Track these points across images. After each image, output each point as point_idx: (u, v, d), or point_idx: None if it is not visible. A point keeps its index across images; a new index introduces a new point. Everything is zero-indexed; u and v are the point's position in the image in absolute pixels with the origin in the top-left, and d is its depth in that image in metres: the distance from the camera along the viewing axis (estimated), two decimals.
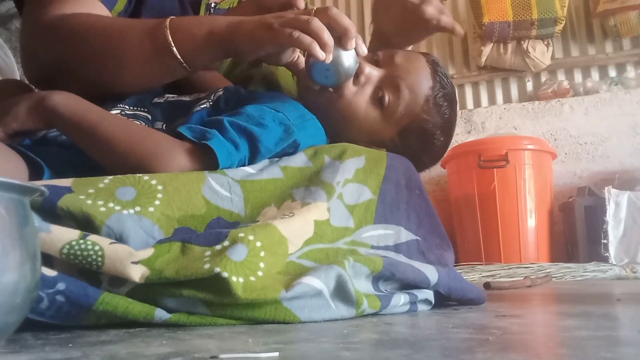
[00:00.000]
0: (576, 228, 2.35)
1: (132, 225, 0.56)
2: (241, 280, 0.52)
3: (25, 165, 0.67)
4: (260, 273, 0.54)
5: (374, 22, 0.95)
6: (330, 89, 0.79)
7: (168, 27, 0.73)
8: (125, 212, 0.57)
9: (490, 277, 1.82)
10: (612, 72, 2.84)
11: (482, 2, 2.66)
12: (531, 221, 2.38)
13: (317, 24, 0.67)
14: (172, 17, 0.75)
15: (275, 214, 0.66)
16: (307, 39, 0.67)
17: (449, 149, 0.91)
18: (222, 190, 0.65)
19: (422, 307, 0.68)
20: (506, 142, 2.41)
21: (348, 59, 0.73)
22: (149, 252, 0.53)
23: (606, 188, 2.25)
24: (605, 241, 2.18)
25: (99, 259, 0.51)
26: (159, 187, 0.61)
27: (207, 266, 0.51)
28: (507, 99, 2.93)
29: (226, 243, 0.54)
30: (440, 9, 0.88)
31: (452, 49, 3.02)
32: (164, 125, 0.79)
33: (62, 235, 0.52)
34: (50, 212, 0.55)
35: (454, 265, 0.77)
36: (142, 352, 0.38)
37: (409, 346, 0.39)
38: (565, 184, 2.67)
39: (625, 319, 0.63)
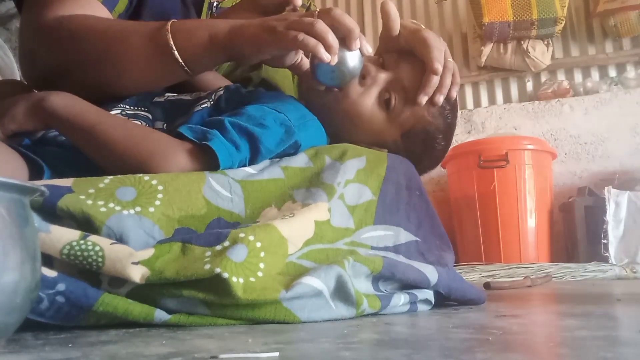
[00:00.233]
0: (576, 228, 2.35)
1: (133, 225, 0.56)
2: (241, 280, 0.52)
3: (25, 165, 0.67)
4: (260, 274, 0.54)
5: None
6: (336, 90, 0.79)
7: (169, 30, 0.73)
8: (125, 212, 0.57)
9: (490, 277, 1.82)
10: (612, 72, 2.83)
11: (482, 2, 2.66)
12: (531, 221, 2.38)
13: (321, 26, 0.67)
14: (173, 20, 0.74)
15: (275, 214, 0.66)
16: (312, 41, 0.67)
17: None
18: (223, 190, 0.65)
19: (422, 307, 0.68)
20: (506, 142, 2.41)
21: (353, 59, 0.73)
22: (149, 253, 0.53)
23: (606, 188, 2.25)
24: (605, 241, 2.18)
25: (99, 259, 0.51)
26: (160, 187, 0.61)
27: (207, 267, 0.51)
28: (507, 99, 2.93)
29: (226, 243, 0.54)
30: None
31: (452, 49, 3.02)
32: (165, 124, 0.79)
33: (62, 236, 0.52)
34: (50, 212, 0.55)
35: (454, 266, 0.77)
36: (142, 352, 0.38)
37: (409, 346, 0.39)
38: (565, 184, 2.67)
39: (625, 319, 0.63)
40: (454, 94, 0.82)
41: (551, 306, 0.82)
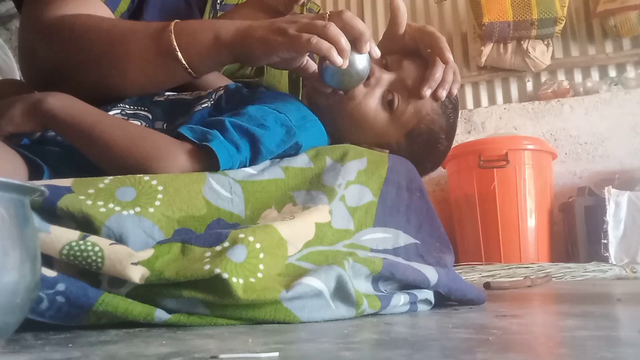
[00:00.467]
0: (576, 228, 2.35)
1: (132, 226, 0.56)
2: (241, 281, 0.52)
3: (24, 165, 0.67)
4: (260, 274, 0.54)
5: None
6: (341, 92, 0.79)
7: (173, 31, 0.72)
8: (125, 212, 0.57)
9: (490, 277, 1.82)
10: (612, 72, 2.84)
11: (482, 2, 2.66)
12: (531, 221, 2.38)
13: (334, 29, 0.67)
14: (176, 20, 0.74)
15: (275, 217, 0.66)
16: (325, 44, 0.67)
17: None
18: (223, 190, 0.65)
19: (422, 307, 0.68)
20: (506, 142, 2.41)
21: (362, 62, 0.73)
22: (148, 253, 0.53)
23: (606, 188, 2.25)
24: (605, 241, 2.18)
25: (99, 259, 0.51)
26: (160, 188, 0.61)
27: (207, 267, 0.51)
28: (507, 99, 2.94)
29: (226, 244, 0.54)
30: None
31: (452, 49, 3.00)
32: (165, 124, 0.79)
33: (62, 236, 0.52)
34: (50, 212, 0.55)
35: (454, 266, 0.77)
36: (142, 352, 0.38)
37: (409, 346, 0.39)
38: (565, 184, 2.67)
39: (625, 319, 0.63)
40: (455, 91, 0.83)
41: (551, 306, 0.82)
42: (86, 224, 0.55)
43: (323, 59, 0.70)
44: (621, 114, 2.68)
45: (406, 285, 0.67)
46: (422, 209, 0.76)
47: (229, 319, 0.53)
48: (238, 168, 0.69)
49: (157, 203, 0.60)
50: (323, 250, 0.64)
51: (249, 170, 0.69)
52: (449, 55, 0.78)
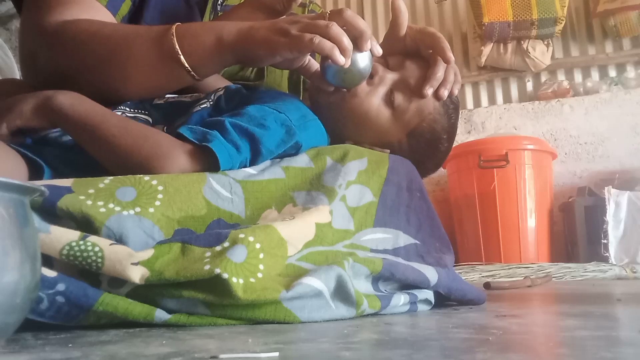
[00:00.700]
0: (576, 228, 2.35)
1: (132, 226, 0.56)
2: (241, 281, 0.52)
3: (24, 164, 0.67)
4: (260, 274, 0.54)
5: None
6: (344, 90, 0.79)
7: (175, 34, 0.72)
8: (125, 212, 0.57)
9: (490, 277, 1.82)
10: (612, 72, 2.84)
11: (482, 2, 2.66)
12: (531, 221, 2.38)
13: (336, 28, 0.68)
14: (178, 23, 0.74)
15: (275, 217, 0.66)
16: (327, 44, 0.67)
17: None
18: (223, 190, 0.65)
19: (422, 307, 0.68)
20: (506, 142, 2.41)
21: (364, 60, 0.74)
22: (148, 253, 0.53)
23: (606, 188, 2.25)
24: (605, 241, 2.18)
25: (99, 260, 0.51)
26: (160, 188, 0.61)
27: (207, 267, 0.51)
28: (507, 99, 2.94)
29: (226, 244, 0.54)
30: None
31: (452, 49, 3.01)
32: (165, 127, 0.79)
33: (62, 236, 0.52)
34: (50, 212, 0.55)
35: (454, 266, 0.77)
36: (142, 352, 0.38)
37: (409, 346, 0.39)
38: (565, 184, 2.67)
39: (625, 319, 0.63)
40: (456, 91, 0.83)
41: (551, 306, 0.82)
42: (86, 224, 0.55)
43: (325, 58, 0.70)
44: (621, 114, 2.68)
45: (406, 285, 0.67)
46: (422, 209, 0.76)
47: (229, 319, 0.53)
48: (238, 168, 0.69)
49: (157, 203, 0.60)
50: (323, 251, 0.64)
51: (249, 170, 0.69)
52: (451, 55, 0.79)
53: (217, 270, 0.50)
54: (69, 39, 0.77)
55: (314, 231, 0.64)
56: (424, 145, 0.83)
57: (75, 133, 0.71)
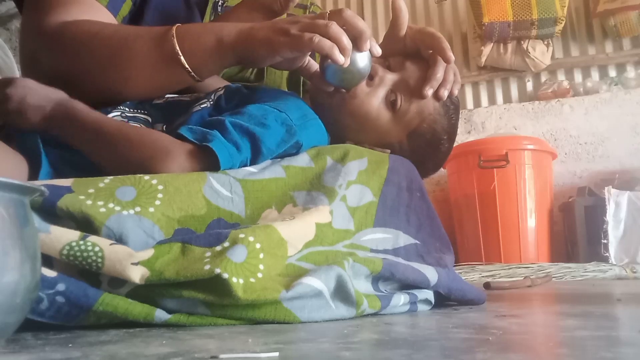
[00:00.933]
0: (576, 228, 2.35)
1: (132, 226, 0.56)
2: (241, 281, 0.52)
3: (25, 164, 0.67)
4: (260, 274, 0.54)
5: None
6: (344, 90, 0.79)
7: (175, 35, 0.72)
8: (125, 212, 0.57)
9: (490, 277, 1.82)
10: (612, 72, 2.84)
11: (482, 2, 2.66)
12: (531, 221, 2.38)
13: (335, 28, 0.68)
14: (178, 24, 0.74)
15: (276, 217, 0.66)
16: (327, 43, 0.67)
17: None
18: (223, 190, 0.65)
19: (422, 307, 0.68)
20: (506, 142, 2.41)
21: (363, 60, 0.74)
22: (149, 253, 0.53)
23: (606, 188, 2.25)
24: (605, 241, 2.18)
25: (99, 260, 0.51)
26: (160, 187, 0.61)
27: (207, 267, 0.51)
28: (507, 99, 2.93)
29: (226, 244, 0.54)
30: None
31: (452, 49, 3.01)
32: (164, 126, 0.79)
33: (62, 236, 0.52)
34: (50, 212, 0.55)
35: (454, 266, 0.77)
36: (142, 352, 0.38)
37: (409, 346, 0.39)
38: (565, 184, 2.67)
39: (625, 319, 0.63)
40: (456, 91, 0.83)
41: (551, 306, 0.82)
42: (86, 224, 0.55)
43: (325, 58, 0.71)
44: (621, 114, 2.68)
45: (406, 285, 0.67)
46: (422, 210, 0.76)
47: (229, 319, 0.53)
48: (239, 167, 0.69)
49: (157, 203, 0.60)
50: (323, 251, 0.64)
51: (250, 168, 0.69)
52: (451, 55, 0.79)
53: (217, 270, 0.50)
54: (69, 40, 0.77)
55: (314, 231, 0.64)
56: (425, 146, 0.83)
57: (73, 138, 0.71)
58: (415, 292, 0.67)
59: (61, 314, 0.50)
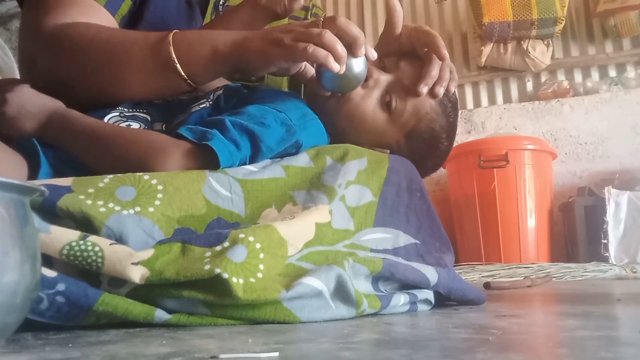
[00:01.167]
0: (576, 228, 2.35)
1: (132, 225, 0.56)
2: (241, 281, 0.52)
3: (25, 163, 0.67)
4: (260, 274, 0.54)
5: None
6: (339, 94, 0.79)
7: (171, 42, 0.73)
8: (125, 212, 0.57)
9: (490, 277, 1.82)
10: (612, 72, 2.84)
11: (482, 2, 2.66)
12: (531, 221, 2.38)
13: (329, 36, 0.68)
14: (175, 31, 0.74)
15: (275, 217, 0.66)
16: (322, 52, 0.68)
17: None
18: (223, 189, 0.65)
19: (422, 307, 0.68)
20: (506, 142, 2.41)
21: (358, 65, 0.74)
22: (149, 253, 0.53)
23: (606, 188, 2.25)
24: (605, 241, 2.18)
25: (99, 260, 0.51)
26: (159, 187, 0.61)
27: (207, 267, 0.51)
28: (507, 99, 2.94)
29: (226, 244, 0.54)
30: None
31: (452, 49, 3.02)
32: (164, 125, 0.79)
33: (62, 236, 0.52)
34: (50, 212, 0.55)
35: (454, 266, 0.77)
36: (142, 352, 0.38)
37: (409, 346, 0.39)
38: (565, 184, 2.67)
39: (625, 319, 0.63)
40: (452, 88, 0.83)
41: (551, 306, 0.82)
42: (86, 224, 0.55)
43: (320, 65, 0.71)
44: (621, 114, 2.68)
45: (406, 285, 0.67)
46: (422, 209, 0.76)
47: (229, 319, 0.53)
48: (238, 166, 0.69)
49: (157, 202, 0.60)
50: (323, 251, 0.64)
51: (250, 167, 0.69)
52: (445, 52, 0.79)
53: (217, 270, 0.50)
54: (66, 44, 0.77)
55: (313, 231, 0.64)
56: (423, 146, 0.83)
57: (67, 144, 0.71)
58: (415, 292, 0.67)
59: (61, 314, 0.50)
